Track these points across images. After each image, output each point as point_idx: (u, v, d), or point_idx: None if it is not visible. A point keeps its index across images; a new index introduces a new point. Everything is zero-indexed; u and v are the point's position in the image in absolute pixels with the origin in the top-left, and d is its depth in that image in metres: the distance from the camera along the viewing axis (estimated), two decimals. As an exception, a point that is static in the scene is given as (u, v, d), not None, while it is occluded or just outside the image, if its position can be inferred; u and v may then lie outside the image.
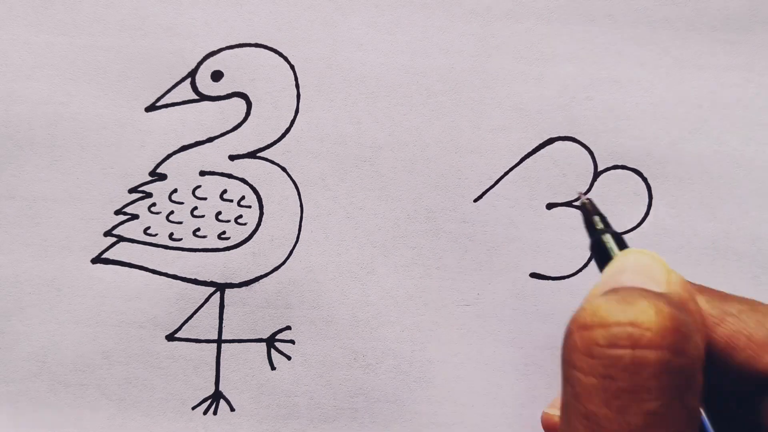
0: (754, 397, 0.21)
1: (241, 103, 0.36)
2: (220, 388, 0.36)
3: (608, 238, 0.26)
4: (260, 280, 0.36)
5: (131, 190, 0.36)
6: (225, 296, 0.36)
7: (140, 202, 0.36)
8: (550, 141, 0.36)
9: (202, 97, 0.36)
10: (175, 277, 0.36)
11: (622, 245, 0.25)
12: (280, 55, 0.36)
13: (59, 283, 0.36)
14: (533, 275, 0.36)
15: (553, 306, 0.36)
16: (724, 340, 0.21)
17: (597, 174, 0.36)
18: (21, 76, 0.36)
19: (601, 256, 0.26)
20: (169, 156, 0.36)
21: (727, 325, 0.22)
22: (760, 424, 0.21)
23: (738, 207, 0.36)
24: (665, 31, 0.37)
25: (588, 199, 0.28)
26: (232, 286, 0.36)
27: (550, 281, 0.36)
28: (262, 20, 0.36)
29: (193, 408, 0.36)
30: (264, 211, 0.36)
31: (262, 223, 0.36)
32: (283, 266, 0.36)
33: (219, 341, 0.36)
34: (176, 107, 0.36)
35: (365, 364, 0.35)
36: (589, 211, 0.27)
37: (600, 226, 0.27)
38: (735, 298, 0.22)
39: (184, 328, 0.36)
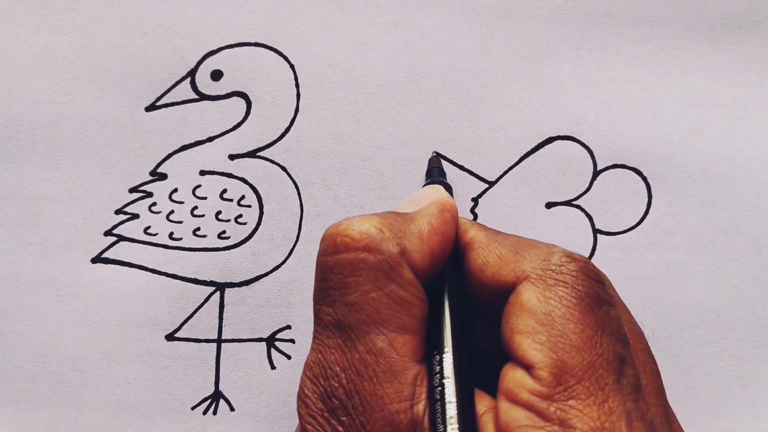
0: (501, 310, 0.24)
1: (240, 103, 0.36)
2: (220, 388, 0.36)
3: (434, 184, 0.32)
4: (260, 280, 0.36)
5: (132, 190, 0.36)
6: (225, 296, 0.36)
7: (140, 201, 0.36)
8: (550, 140, 0.36)
9: (202, 97, 0.36)
10: (175, 276, 0.36)
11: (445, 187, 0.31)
12: (280, 54, 0.36)
13: (59, 283, 0.36)
14: (533, 274, 0.36)
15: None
16: (482, 259, 0.25)
17: (596, 173, 0.36)
18: (21, 76, 0.36)
19: None
20: (169, 155, 0.36)
21: (487, 249, 0.25)
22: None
23: (738, 207, 0.36)
24: (664, 31, 0.37)
25: (435, 153, 0.36)
26: (232, 285, 0.36)
27: (550, 280, 0.36)
28: (261, 19, 0.36)
29: (193, 408, 0.35)
30: (264, 210, 0.36)
31: (262, 223, 0.36)
32: (283, 265, 0.36)
33: (219, 341, 0.36)
34: (176, 107, 0.36)
35: (365, 363, 0.35)
36: (432, 163, 0.35)
37: (434, 175, 0.34)
38: (510, 235, 0.26)
39: (183, 327, 0.36)
